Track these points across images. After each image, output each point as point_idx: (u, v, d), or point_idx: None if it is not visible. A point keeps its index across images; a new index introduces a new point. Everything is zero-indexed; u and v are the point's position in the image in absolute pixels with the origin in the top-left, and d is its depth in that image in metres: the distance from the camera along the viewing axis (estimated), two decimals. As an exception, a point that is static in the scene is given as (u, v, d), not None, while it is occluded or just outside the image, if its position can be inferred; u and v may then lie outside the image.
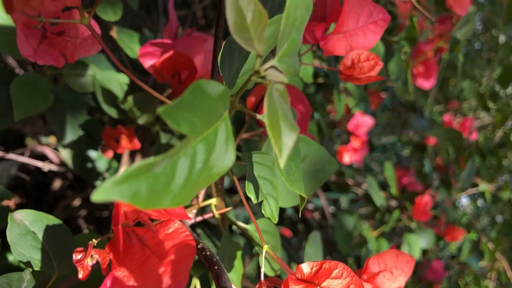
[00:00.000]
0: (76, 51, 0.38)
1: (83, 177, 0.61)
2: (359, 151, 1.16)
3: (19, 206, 1.01)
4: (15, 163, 0.74)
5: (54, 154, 0.74)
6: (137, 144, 0.48)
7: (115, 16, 0.44)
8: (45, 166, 0.71)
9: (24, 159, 0.72)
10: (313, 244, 0.55)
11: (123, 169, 0.58)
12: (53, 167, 0.75)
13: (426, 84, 1.00)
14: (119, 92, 0.54)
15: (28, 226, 0.32)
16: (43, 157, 0.80)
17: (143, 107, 0.50)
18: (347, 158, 1.11)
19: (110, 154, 0.49)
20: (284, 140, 0.17)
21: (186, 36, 0.45)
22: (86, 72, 0.54)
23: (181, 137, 0.58)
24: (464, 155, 1.41)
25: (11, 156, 0.70)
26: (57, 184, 0.96)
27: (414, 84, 1.03)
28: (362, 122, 1.14)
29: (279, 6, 0.25)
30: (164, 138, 0.54)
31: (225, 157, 0.19)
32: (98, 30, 0.38)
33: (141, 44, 0.53)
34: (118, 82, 0.54)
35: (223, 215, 0.39)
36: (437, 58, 0.99)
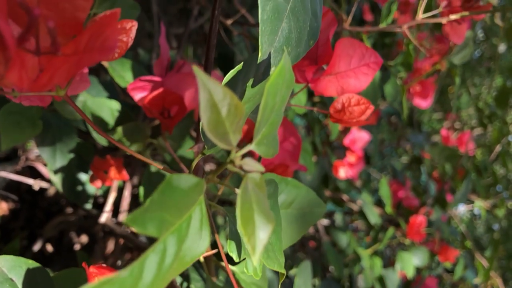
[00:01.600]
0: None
1: (72, 200, 0.60)
2: (355, 166, 1.15)
3: (12, 212, 1.00)
4: (3, 180, 0.73)
5: (46, 169, 0.74)
6: (125, 175, 0.48)
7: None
8: (36, 185, 0.71)
9: (14, 177, 0.71)
10: (303, 275, 0.55)
11: (112, 195, 0.58)
12: (44, 185, 0.74)
13: (423, 103, 1.00)
14: (110, 119, 0.54)
15: (6, 273, 0.32)
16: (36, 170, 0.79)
17: (132, 137, 0.49)
18: (342, 173, 1.11)
19: (98, 184, 0.48)
20: (258, 236, 0.17)
21: (176, 73, 0.44)
22: (77, 98, 0.53)
23: (172, 164, 0.57)
24: (461, 168, 1.41)
25: (2, 173, 0.70)
26: (52, 190, 0.95)
27: (411, 101, 1.03)
28: (358, 137, 1.14)
29: (263, 74, 0.24)
30: (154, 166, 0.53)
31: (198, 243, 0.19)
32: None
33: (133, 71, 0.53)
34: (109, 109, 0.54)
35: (208, 256, 0.38)
36: (434, 78, 0.99)
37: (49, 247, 0.91)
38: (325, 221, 1.31)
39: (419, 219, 1.00)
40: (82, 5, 0.17)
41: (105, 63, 0.50)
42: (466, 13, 0.50)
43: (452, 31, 0.63)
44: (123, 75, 0.51)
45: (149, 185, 0.52)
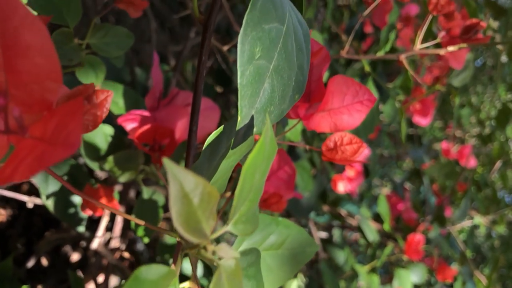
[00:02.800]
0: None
1: (65, 222, 0.60)
2: (354, 181, 1.15)
3: (12, 217, 1.00)
4: None
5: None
6: (116, 205, 0.47)
7: (98, 79, 0.43)
8: (30, 203, 0.70)
9: (8, 193, 0.71)
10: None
11: (105, 220, 0.57)
12: (38, 201, 0.74)
13: (423, 121, 0.99)
14: (104, 144, 0.53)
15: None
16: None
17: (124, 165, 0.49)
18: (341, 187, 1.10)
19: (89, 212, 0.48)
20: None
21: (169, 103, 0.44)
22: (70, 123, 0.53)
23: (165, 189, 0.57)
24: (460, 182, 1.40)
25: (-4, 190, 0.69)
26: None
27: (410, 118, 1.02)
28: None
29: (243, 137, 0.23)
30: (146, 193, 0.53)
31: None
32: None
33: (126, 97, 0.52)
34: (103, 134, 0.53)
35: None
36: (434, 95, 0.98)
37: (44, 261, 0.91)
38: (323, 234, 1.31)
39: (417, 237, 0.99)
40: (51, 87, 0.17)
41: (97, 86, 0.50)
42: (464, 45, 0.50)
43: (451, 57, 0.63)
44: (116, 101, 0.51)
45: (141, 212, 0.52)
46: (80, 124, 0.15)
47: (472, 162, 1.47)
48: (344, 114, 0.40)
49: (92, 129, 0.21)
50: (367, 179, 1.35)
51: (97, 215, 0.48)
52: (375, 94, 0.69)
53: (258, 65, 0.22)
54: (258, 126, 0.23)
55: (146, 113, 0.41)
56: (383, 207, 1.04)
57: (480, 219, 1.28)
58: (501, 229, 1.27)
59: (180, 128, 0.44)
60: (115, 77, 0.67)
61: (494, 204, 1.25)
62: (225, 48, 0.54)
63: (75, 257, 0.88)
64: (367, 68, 0.65)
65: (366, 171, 1.34)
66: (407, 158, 1.51)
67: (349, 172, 1.16)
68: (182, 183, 0.15)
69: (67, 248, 0.94)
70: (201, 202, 0.16)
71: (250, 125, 0.23)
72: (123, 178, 0.50)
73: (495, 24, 0.72)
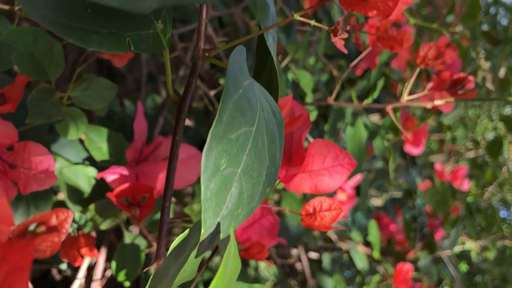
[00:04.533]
0: (28, 184, 0.37)
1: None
2: (345, 205, 1.14)
3: None
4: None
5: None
6: (96, 254, 0.47)
7: (78, 132, 0.42)
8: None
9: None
10: None
11: (86, 261, 0.56)
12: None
13: (415, 150, 0.99)
14: (87, 187, 0.53)
15: None
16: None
17: (105, 213, 0.48)
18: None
19: (69, 260, 0.48)
20: None
21: (148, 162, 0.43)
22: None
23: (151, 227, 0.56)
24: (453, 204, 1.40)
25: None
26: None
27: (403, 147, 1.02)
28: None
29: (207, 245, 0.23)
30: (128, 237, 0.53)
31: None
32: (52, 165, 0.37)
33: (111, 141, 0.52)
34: (86, 176, 0.53)
35: None
36: (426, 125, 0.98)
37: (30, 286, 0.91)
38: (313, 255, 1.30)
39: (406, 267, 0.98)
40: (2, 230, 0.16)
41: (83, 136, 0.50)
42: (451, 99, 0.50)
43: (412, 140, 0.62)
44: (100, 146, 0.50)
45: (122, 257, 0.51)
46: (26, 284, 0.14)
47: (465, 186, 1.47)
48: (325, 175, 0.40)
49: (50, 254, 0.21)
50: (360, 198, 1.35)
51: (76, 265, 0.47)
52: (363, 131, 0.68)
53: (224, 175, 0.22)
54: (225, 232, 0.23)
55: (125, 172, 0.40)
56: (373, 235, 1.03)
57: (471, 244, 1.28)
58: (491, 254, 1.26)
59: (162, 181, 0.44)
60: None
61: (485, 231, 1.25)
62: (212, 93, 0.53)
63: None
64: (356, 102, 0.64)
65: (358, 192, 1.34)
66: (400, 179, 1.51)
67: (341, 196, 1.16)
68: None
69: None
70: None
71: (215, 233, 0.23)
72: (105, 226, 0.49)
73: (486, 64, 0.72)
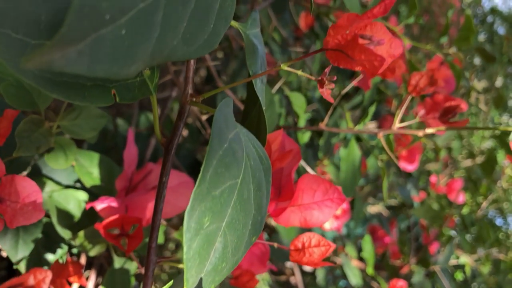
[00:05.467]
0: (15, 218, 0.37)
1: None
2: (340, 218, 1.14)
3: None
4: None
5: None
6: (84, 282, 0.47)
7: (67, 162, 0.42)
8: None
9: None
10: None
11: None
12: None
13: (409, 167, 0.99)
14: (77, 211, 0.52)
15: None
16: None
17: (95, 240, 0.48)
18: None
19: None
20: None
21: (137, 192, 0.43)
22: (43, 189, 0.52)
23: (141, 249, 0.56)
24: (449, 214, 1.40)
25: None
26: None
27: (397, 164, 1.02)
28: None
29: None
30: (118, 262, 0.52)
31: None
32: (40, 198, 0.37)
33: (102, 166, 0.51)
34: (76, 200, 0.52)
35: None
36: (421, 143, 0.98)
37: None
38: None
39: (400, 283, 0.98)
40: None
41: (73, 162, 0.49)
42: (442, 127, 0.50)
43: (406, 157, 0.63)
44: (91, 171, 0.50)
45: (111, 283, 0.51)
46: None
47: (460, 198, 1.48)
48: (315, 209, 0.40)
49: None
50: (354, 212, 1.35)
51: (64, 294, 0.47)
52: (357, 151, 0.68)
53: (207, 232, 0.22)
54: (208, 287, 0.23)
55: (114, 203, 0.40)
56: (367, 251, 1.03)
57: (465, 259, 1.28)
58: (486, 269, 1.26)
59: (151, 210, 0.44)
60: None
61: (480, 245, 1.25)
62: (204, 117, 0.53)
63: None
64: (350, 125, 0.64)
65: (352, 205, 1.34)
66: (395, 192, 1.51)
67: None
68: None
69: None
70: None
71: (199, 286, 0.22)
72: (94, 252, 0.49)
73: (479, 85, 0.72)
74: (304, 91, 0.80)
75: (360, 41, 0.22)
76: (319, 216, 0.40)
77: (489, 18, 2.63)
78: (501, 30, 2.74)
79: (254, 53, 0.29)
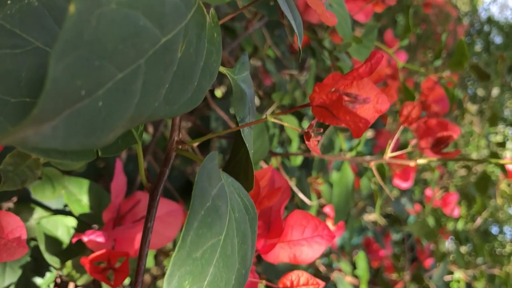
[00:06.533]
0: (-2, 254, 0.36)
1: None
2: (334, 233, 1.13)
3: None
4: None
5: None
6: (71, 313, 0.46)
7: (54, 194, 0.42)
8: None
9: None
10: None
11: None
12: None
13: (404, 184, 0.99)
14: (66, 237, 0.52)
15: None
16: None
17: (82, 268, 0.47)
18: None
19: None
20: None
21: (124, 226, 0.43)
22: (31, 216, 0.51)
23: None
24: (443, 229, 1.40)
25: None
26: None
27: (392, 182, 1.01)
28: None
29: None
30: (106, 290, 0.51)
31: None
32: (24, 234, 0.36)
33: (92, 193, 0.51)
34: (65, 226, 0.52)
35: None
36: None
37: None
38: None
39: (393, 302, 0.98)
40: None
41: (61, 191, 0.49)
42: (434, 158, 0.49)
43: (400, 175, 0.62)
44: (80, 198, 0.49)
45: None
46: None
47: (456, 212, 1.48)
48: (304, 246, 0.39)
49: None
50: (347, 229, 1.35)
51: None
52: (350, 174, 0.68)
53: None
54: None
55: (100, 238, 0.40)
56: (361, 269, 1.03)
57: (460, 274, 1.27)
58: (481, 285, 1.26)
59: (139, 241, 0.43)
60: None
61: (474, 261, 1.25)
62: (195, 144, 0.53)
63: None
64: (344, 145, 0.64)
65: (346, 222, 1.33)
66: (388, 208, 1.51)
67: (330, 225, 1.15)
68: None
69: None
70: None
71: None
72: (82, 281, 0.48)
73: (473, 108, 0.72)
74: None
75: (346, 98, 0.22)
76: (308, 252, 0.39)
77: (486, 27, 2.64)
78: (497, 39, 2.75)
79: (242, 99, 0.28)
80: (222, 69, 0.28)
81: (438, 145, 0.50)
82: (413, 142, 0.52)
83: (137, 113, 0.19)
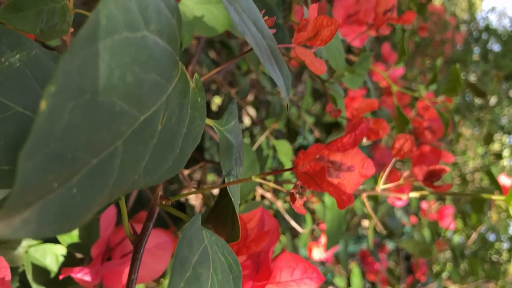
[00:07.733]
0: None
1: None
2: (329, 250, 1.13)
3: None
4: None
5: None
6: None
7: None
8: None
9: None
10: None
11: None
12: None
13: (399, 203, 0.99)
14: (54, 266, 0.51)
15: None
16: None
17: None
18: (316, 254, 1.09)
19: None
20: None
21: (112, 261, 0.42)
22: (20, 244, 0.51)
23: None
24: (439, 242, 1.40)
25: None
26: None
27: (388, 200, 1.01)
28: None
29: None
30: (95, 320, 0.51)
31: None
32: (8, 275, 0.36)
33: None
34: (53, 255, 0.51)
35: None
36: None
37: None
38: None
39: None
40: None
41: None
42: (426, 192, 0.49)
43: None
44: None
45: None
46: None
47: (452, 225, 1.47)
48: (294, 287, 0.39)
49: None
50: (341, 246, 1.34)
51: None
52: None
53: None
54: None
55: (87, 276, 0.39)
56: (356, 285, 1.02)
57: (454, 290, 1.27)
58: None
59: (127, 277, 0.43)
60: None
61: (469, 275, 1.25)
62: (186, 172, 0.53)
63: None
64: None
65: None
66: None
67: (325, 240, 1.15)
68: None
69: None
70: None
71: None
72: (69, 313, 0.48)
73: (467, 132, 0.72)
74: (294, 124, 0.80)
75: (330, 166, 0.22)
76: (297, 293, 0.39)
77: (484, 35, 2.64)
78: (496, 47, 2.76)
79: (229, 151, 0.28)
80: (208, 121, 0.28)
81: (431, 178, 0.50)
82: (405, 173, 0.51)
83: (115, 190, 0.19)
